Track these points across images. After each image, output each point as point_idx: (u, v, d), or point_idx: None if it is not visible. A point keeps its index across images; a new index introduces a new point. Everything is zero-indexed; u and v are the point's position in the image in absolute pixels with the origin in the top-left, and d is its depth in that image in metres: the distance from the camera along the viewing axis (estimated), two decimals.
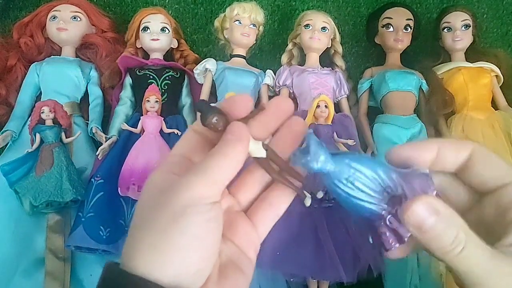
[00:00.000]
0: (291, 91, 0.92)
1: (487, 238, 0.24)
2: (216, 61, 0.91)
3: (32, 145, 0.76)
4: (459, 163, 0.27)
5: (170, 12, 0.99)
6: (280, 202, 0.29)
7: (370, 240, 0.27)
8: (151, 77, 0.88)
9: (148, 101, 0.83)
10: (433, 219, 0.23)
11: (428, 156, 0.27)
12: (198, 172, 0.24)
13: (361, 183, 0.25)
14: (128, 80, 0.91)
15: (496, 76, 0.95)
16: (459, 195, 0.26)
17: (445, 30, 0.96)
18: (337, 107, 0.91)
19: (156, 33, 0.90)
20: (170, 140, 0.83)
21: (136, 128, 0.82)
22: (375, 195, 0.25)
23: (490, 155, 0.27)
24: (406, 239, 0.25)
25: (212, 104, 0.26)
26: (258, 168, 0.28)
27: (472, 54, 0.97)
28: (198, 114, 0.27)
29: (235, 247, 0.27)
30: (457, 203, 0.27)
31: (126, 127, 0.82)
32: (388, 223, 0.25)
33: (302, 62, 0.96)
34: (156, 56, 0.92)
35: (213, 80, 0.90)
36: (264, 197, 0.29)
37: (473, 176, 0.27)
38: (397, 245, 0.26)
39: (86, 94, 0.91)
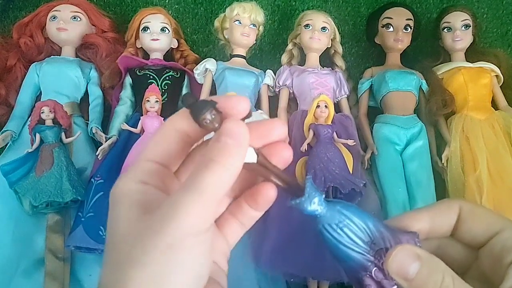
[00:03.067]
0: (291, 91, 0.92)
1: None
2: (216, 61, 0.91)
3: (32, 145, 0.76)
4: (452, 227, 0.27)
5: (170, 12, 0.99)
6: (250, 221, 0.27)
7: None
8: (151, 77, 0.88)
9: (148, 101, 0.83)
10: (416, 265, 0.24)
11: (422, 226, 0.27)
12: (194, 191, 0.21)
13: (350, 230, 0.25)
14: (128, 80, 0.91)
15: (496, 76, 0.95)
16: (459, 254, 0.27)
17: (445, 30, 0.96)
18: (337, 107, 0.91)
19: (156, 33, 0.90)
20: None
21: (136, 128, 0.82)
22: (362, 244, 0.25)
23: (476, 209, 0.27)
24: None
25: (204, 98, 0.23)
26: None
27: (472, 54, 0.97)
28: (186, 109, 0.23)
29: (215, 265, 0.26)
30: (458, 262, 0.27)
31: (126, 127, 0.82)
32: (373, 275, 0.25)
33: (302, 62, 0.96)
34: (156, 56, 0.92)
35: (213, 80, 0.90)
36: (234, 212, 0.27)
37: (464, 233, 0.27)
38: None
39: (86, 94, 0.91)
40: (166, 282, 0.20)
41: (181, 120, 0.24)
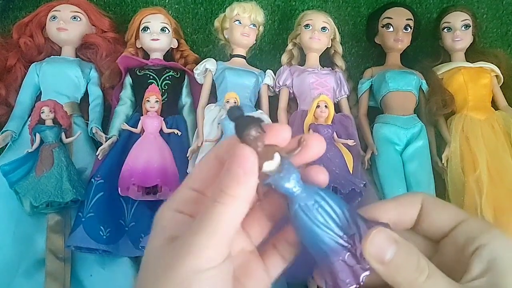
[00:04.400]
0: (291, 91, 0.92)
1: None
2: (216, 61, 0.91)
3: (32, 145, 0.76)
4: (414, 219, 0.28)
5: (170, 12, 0.99)
6: (291, 255, 0.28)
7: (324, 285, 0.26)
8: (151, 77, 0.88)
9: (148, 101, 0.83)
10: (393, 248, 0.24)
11: (389, 218, 0.27)
12: (202, 229, 0.22)
13: (326, 213, 0.25)
14: (128, 80, 0.91)
15: (496, 76, 0.95)
16: (420, 247, 0.26)
17: (445, 30, 0.96)
18: (337, 107, 0.91)
19: (156, 33, 0.90)
20: (170, 140, 0.83)
21: (136, 128, 0.82)
22: (336, 229, 0.25)
23: (438, 202, 0.28)
24: (362, 278, 0.25)
25: (250, 114, 0.24)
26: (268, 200, 0.27)
27: (472, 54, 0.97)
28: (232, 124, 0.23)
29: None
30: None
31: (126, 127, 0.82)
32: (346, 260, 0.25)
33: (302, 62, 0.96)
34: (156, 56, 0.92)
35: (213, 80, 0.90)
36: (276, 245, 0.28)
37: (427, 225, 0.27)
38: (353, 286, 0.25)
39: (86, 94, 0.91)
40: None
41: (221, 148, 0.26)
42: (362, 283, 0.25)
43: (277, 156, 0.24)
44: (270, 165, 0.24)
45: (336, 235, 0.25)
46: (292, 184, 0.24)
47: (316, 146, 0.26)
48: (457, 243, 0.26)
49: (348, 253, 0.25)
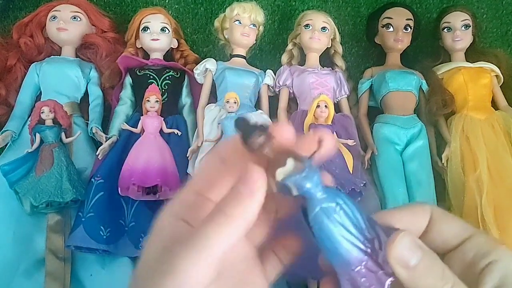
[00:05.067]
0: (291, 91, 0.92)
1: None
2: (216, 61, 0.91)
3: (32, 145, 0.76)
4: (422, 230, 0.27)
5: (170, 12, 0.99)
6: (290, 259, 0.28)
7: None
8: (151, 77, 0.88)
9: (148, 101, 0.83)
10: (419, 254, 0.23)
11: (401, 227, 0.26)
12: (196, 248, 0.20)
13: (347, 216, 0.23)
14: (128, 80, 0.91)
15: (496, 76, 0.95)
16: None
17: (445, 30, 0.96)
18: (337, 107, 0.91)
19: (156, 33, 0.90)
20: (170, 140, 0.83)
21: (136, 128, 0.82)
22: (357, 233, 0.23)
23: (446, 214, 0.27)
24: (387, 285, 0.23)
25: (255, 121, 0.22)
26: (269, 202, 0.26)
27: (472, 54, 0.97)
28: (238, 132, 0.23)
29: None
30: None
31: (126, 127, 0.82)
32: (368, 266, 0.23)
33: (302, 62, 0.96)
34: (156, 56, 0.92)
35: (213, 80, 0.90)
36: (275, 249, 0.27)
37: (434, 237, 0.27)
38: None
39: (86, 94, 0.91)
40: None
41: (226, 150, 0.24)
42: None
43: (289, 162, 0.22)
44: (282, 172, 0.22)
45: (357, 239, 0.23)
46: (314, 185, 0.23)
47: (330, 144, 0.25)
48: (466, 258, 0.25)
49: (370, 259, 0.23)
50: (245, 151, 0.23)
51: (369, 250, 0.23)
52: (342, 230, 0.23)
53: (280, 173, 0.22)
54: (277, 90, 0.92)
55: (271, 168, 0.23)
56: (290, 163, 0.22)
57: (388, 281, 0.23)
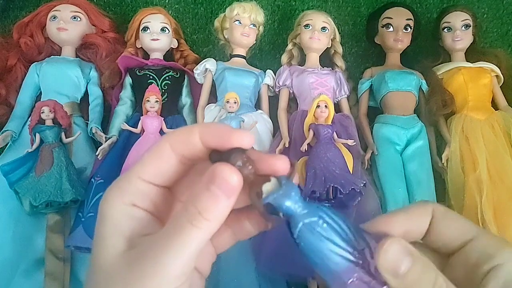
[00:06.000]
0: (291, 91, 0.92)
1: None
2: (216, 61, 0.91)
3: (32, 145, 0.76)
4: (424, 230, 0.26)
5: (170, 12, 0.99)
6: (245, 236, 0.27)
7: None
8: (151, 77, 0.88)
9: (148, 101, 0.83)
10: (408, 260, 0.22)
11: (397, 230, 0.26)
12: (172, 250, 0.20)
13: (332, 228, 0.23)
14: (128, 80, 0.91)
15: (496, 76, 0.95)
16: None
17: (445, 30, 0.96)
18: (337, 107, 0.91)
19: (156, 33, 0.90)
20: None
21: (136, 128, 0.82)
22: (345, 245, 0.23)
23: (449, 213, 0.26)
24: None
25: (228, 149, 0.22)
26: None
27: (472, 54, 0.97)
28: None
29: (195, 271, 0.25)
30: None
31: (126, 127, 0.82)
32: (360, 277, 0.23)
33: (302, 62, 0.96)
34: (156, 56, 0.92)
35: (213, 80, 0.90)
36: (231, 225, 0.26)
37: (437, 237, 0.26)
38: None
39: (86, 94, 0.91)
40: None
41: (179, 142, 0.23)
42: None
43: (273, 179, 0.23)
44: (268, 187, 0.23)
45: (346, 251, 0.23)
46: (293, 202, 0.23)
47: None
48: (470, 260, 0.24)
49: (361, 270, 0.23)
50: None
51: (360, 261, 0.23)
52: (328, 244, 0.23)
53: (266, 189, 0.22)
54: (277, 90, 0.92)
55: (252, 189, 0.23)
56: (273, 179, 0.23)
57: None
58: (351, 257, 0.23)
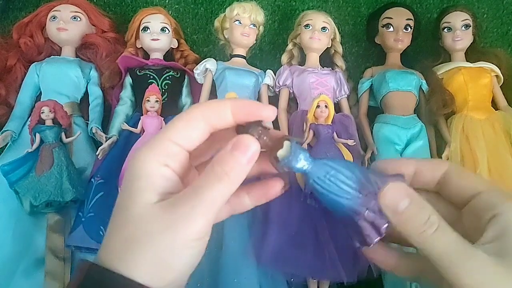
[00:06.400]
0: (291, 91, 0.92)
1: None
2: (216, 61, 0.91)
3: (32, 145, 0.76)
4: (436, 179, 0.30)
5: (170, 12, 0.99)
6: (242, 209, 0.30)
7: (357, 244, 0.29)
8: (151, 77, 0.88)
9: (148, 101, 0.83)
10: (406, 201, 0.26)
11: (406, 170, 0.30)
12: (202, 204, 0.24)
13: (339, 179, 0.27)
14: (128, 80, 0.91)
15: (496, 76, 0.95)
16: (443, 211, 0.28)
17: (445, 30, 0.96)
18: (337, 107, 0.91)
19: (156, 33, 0.90)
20: None
21: (136, 128, 0.82)
22: (352, 191, 0.27)
23: (463, 170, 0.30)
24: (383, 230, 0.27)
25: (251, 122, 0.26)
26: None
27: (472, 54, 0.97)
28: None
29: None
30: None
31: (126, 127, 0.82)
32: (365, 217, 0.27)
33: (302, 62, 0.96)
34: (156, 56, 0.92)
35: (213, 80, 0.90)
36: (229, 200, 0.28)
37: (450, 189, 0.29)
38: (377, 238, 0.27)
39: (86, 94, 0.91)
40: (166, 267, 0.23)
41: (212, 114, 0.26)
42: (383, 234, 0.27)
43: (286, 143, 0.27)
44: (282, 152, 0.26)
45: (353, 197, 0.27)
46: (302, 163, 0.27)
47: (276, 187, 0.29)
48: (476, 211, 0.27)
49: (367, 210, 0.27)
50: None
51: (367, 203, 0.27)
52: (337, 193, 0.27)
53: (281, 154, 0.26)
54: (277, 90, 0.92)
55: (271, 154, 0.27)
56: (287, 144, 0.26)
57: (384, 227, 0.27)
58: (359, 201, 0.27)
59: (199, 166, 0.30)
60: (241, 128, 0.26)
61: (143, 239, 0.23)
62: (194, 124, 0.26)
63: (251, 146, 0.25)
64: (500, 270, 0.23)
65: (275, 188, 0.29)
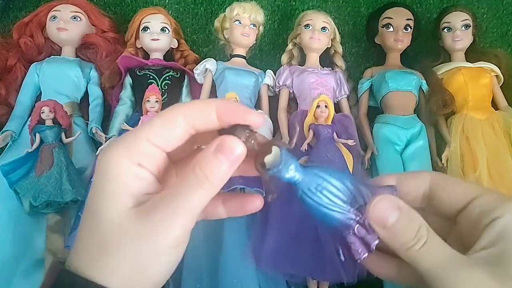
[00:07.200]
0: (291, 91, 0.92)
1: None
2: (216, 61, 0.91)
3: (32, 145, 0.76)
4: (421, 194, 0.28)
5: (170, 12, 0.99)
6: (214, 217, 0.29)
7: (342, 256, 0.28)
8: (151, 77, 0.88)
9: (148, 101, 0.83)
10: (395, 214, 0.25)
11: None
12: (181, 210, 0.22)
13: (329, 192, 0.26)
14: (128, 80, 0.91)
15: (496, 76, 0.95)
16: (434, 226, 0.26)
17: (445, 30, 0.96)
18: (337, 107, 0.91)
19: (156, 33, 0.90)
20: None
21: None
22: (342, 204, 0.26)
23: (449, 178, 0.28)
24: (373, 246, 0.26)
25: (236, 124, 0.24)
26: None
27: (472, 54, 0.97)
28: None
29: None
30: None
31: (126, 127, 0.82)
32: (356, 232, 0.26)
33: (302, 62, 0.96)
34: (156, 56, 0.92)
35: (213, 80, 0.90)
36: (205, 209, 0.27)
37: (439, 203, 0.28)
38: (366, 254, 0.26)
39: (86, 94, 0.91)
40: (142, 275, 0.22)
41: (195, 115, 0.24)
42: (373, 251, 0.26)
43: (275, 149, 0.25)
44: (269, 159, 0.25)
45: (343, 210, 0.26)
46: (292, 173, 0.25)
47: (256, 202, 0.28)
48: (472, 218, 0.26)
49: (358, 225, 0.26)
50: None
51: (357, 217, 0.26)
52: (327, 206, 0.26)
53: (268, 160, 0.25)
54: (277, 90, 0.92)
55: (257, 160, 0.25)
56: (275, 149, 0.25)
57: (374, 244, 0.26)
58: (349, 214, 0.26)
59: (178, 163, 0.28)
60: (226, 131, 0.24)
61: (118, 246, 0.22)
62: (174, 124, 0.24)
63: (236, 149, 0.23)
64: (493, 285, 0.22)
65: (254, 204, 0.28)
